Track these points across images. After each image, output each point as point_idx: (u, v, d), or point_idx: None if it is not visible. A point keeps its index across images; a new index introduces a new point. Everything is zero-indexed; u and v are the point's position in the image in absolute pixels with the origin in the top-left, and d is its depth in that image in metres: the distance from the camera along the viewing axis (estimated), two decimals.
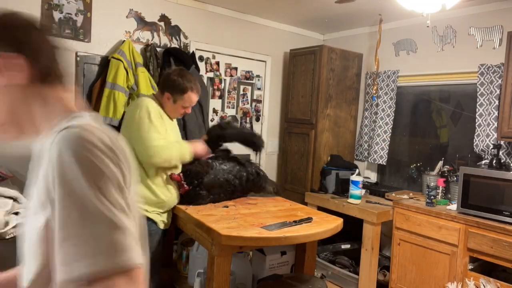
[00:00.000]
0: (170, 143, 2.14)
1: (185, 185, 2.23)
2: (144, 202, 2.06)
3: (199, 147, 2.32)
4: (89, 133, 0.66)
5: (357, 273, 3.20)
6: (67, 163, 0.62)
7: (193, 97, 2.22)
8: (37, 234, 0.66)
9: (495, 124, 2.86)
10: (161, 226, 2.17)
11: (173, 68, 3.01)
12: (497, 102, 2.87)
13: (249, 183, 2.54)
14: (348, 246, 3.39)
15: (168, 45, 3.32)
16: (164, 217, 2.19)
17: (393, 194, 3.30)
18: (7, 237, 1.41)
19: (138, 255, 0.64)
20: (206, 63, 3.61)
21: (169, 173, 2.20)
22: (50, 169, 0.64)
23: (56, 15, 2.74)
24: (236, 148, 3.80)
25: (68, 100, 0.78)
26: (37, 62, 0.72)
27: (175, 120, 2.38)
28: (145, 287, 0.66)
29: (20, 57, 0.71)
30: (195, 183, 2.30)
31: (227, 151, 2.64)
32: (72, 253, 0.59)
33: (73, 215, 0.60)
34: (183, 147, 2.23)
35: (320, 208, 3.15)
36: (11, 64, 0.70)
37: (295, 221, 2.07)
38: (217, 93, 3.72)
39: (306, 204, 3.36)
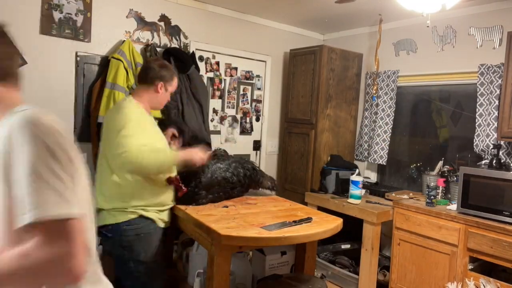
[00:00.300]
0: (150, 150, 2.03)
1: (183, 187, 2.22)
2: (142, 201, 2.06)
3: (196, 155, 2.18)
4: (41, 114, 0.83)
5: (357, 273, 3.20)
6: (26, 135, 0.78)
7: (176, 81, 2.29)
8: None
9: (495, 124, 2.86)
10: (161, 224, 2.16)
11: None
12: (497, 102, 2.87)
13: (246, 179, 2.54)
14: (348, 246, 3.39)
15: (168, 45, 3.32)
16: (163, 215, 2.19)
17: (393, 194, 3.30)
18: None
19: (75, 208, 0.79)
20: (206, 63, 3.61)
21: (166, 176, 2.18)
22: (7, 142, 0.79)
23: (56, 15, 2.74)
24: (236, 149, 3.81)
25: (19, 97, 0.93)
26: None
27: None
28: (82, 237, 0.80)
29: None
30: (193, 184, 2.30)
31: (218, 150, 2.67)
32: (27, 204, 0.75)
33: (30, 176, 0.76)
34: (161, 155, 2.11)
35: (320, 208, 3.15)
36: None
37: (294, 221, 2.07)
38: (217, 93, 3.72)
39: (306, 204, 3.36)
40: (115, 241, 2.04)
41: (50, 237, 0.75)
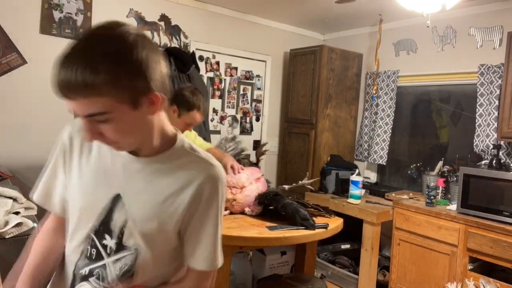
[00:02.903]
0: None
1: None
2: None
3: None
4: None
5: (357, 273, 3.20)
6: (221, 193, 0.92)
7: (197, 117, 2.23)
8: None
9: (495, 124, 2.86)
10: None
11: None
12: (497, 102, 2.87)
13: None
14: (348, 246, 3.39)
15: (168, 45, 3.31)
16: None
17: (393, 194, 3.30)
18: (7, 236, 1.41)
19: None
20: (206, 63, 3.61)
21: None
22: (199, 190, 0.89)
23: (56, 15, 2.74)
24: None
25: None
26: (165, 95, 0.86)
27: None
28: None
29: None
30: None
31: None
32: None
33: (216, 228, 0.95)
34: None
35: None
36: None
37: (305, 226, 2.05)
38: (217, 93, 3.72)
39: None
40: None
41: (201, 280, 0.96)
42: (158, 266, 0.91)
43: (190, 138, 2.45)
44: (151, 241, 0.87)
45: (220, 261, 0.94)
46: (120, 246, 0.87)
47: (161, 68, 0.83)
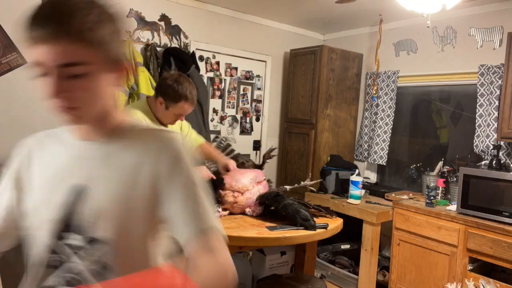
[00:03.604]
0: None
1: None
2: None
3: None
4: None
5: (357, 273, 3.20)
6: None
7: (186, 107, 2.08)
8: None
9: (495, 125, 2.86)
10: None
11: (172, 71, 2.99)
12: (497, 102, 2.87)
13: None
14: (347, 246, 3.39)
15: (169, 45, 3.31)
16: None
17: (393, 195, 3.30)
18: None
19: None
20: (206, 63, 3.61)
21: None
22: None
23: None
24: (236, 149, 3.80)
25: None
26: None
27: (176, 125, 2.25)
28: None
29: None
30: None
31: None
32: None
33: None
34: None
35: None
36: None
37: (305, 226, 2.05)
38: (217, 93, 3.72)
39: None
40: None
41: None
42: (138, 258, 0.81)
43: (184, 131, 2.39)
44: (121, 228, 0.78)
45: (214, 221, 0.80)
46: (89, 241, 0.77)
47: None
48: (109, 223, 0.77)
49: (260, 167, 2.64)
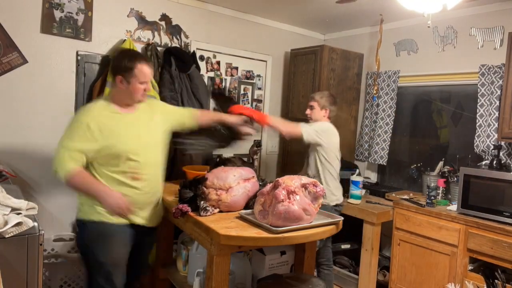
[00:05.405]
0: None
1: (187, 207, 2.14)
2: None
3: (113, 200, 1.91)
4: None
5: (357, 273, 3.20)
6: None
7: (145, 69, 1.94)
8: None
9: (496, 125, 2.86)
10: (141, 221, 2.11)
11: (172, 68, 3.01)
12: (497, 102, 2.87)
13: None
14: (348, 246, 3.39)
15: (169, 45, 3.31)
16: (141, 213, 2.12)
17: (393, 194, 3.30)
18: (7, 236, 1.41)
19: None
20: (206, 63, 3.61)
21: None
22: None
23: (57, 14, 2.74)
24: (236, 149, 3.79)
25: None
26: None
27: (142, 110, 2.10)
28: None
29: None
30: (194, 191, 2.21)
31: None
32: None
33: None
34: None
35: None
36: None
37: None
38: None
39: None
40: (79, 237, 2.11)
41: None
42: None
43: (168, 109, 2.37)
44: None
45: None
46: None
47: None
48: None
49: (251, 164, 2.61)
